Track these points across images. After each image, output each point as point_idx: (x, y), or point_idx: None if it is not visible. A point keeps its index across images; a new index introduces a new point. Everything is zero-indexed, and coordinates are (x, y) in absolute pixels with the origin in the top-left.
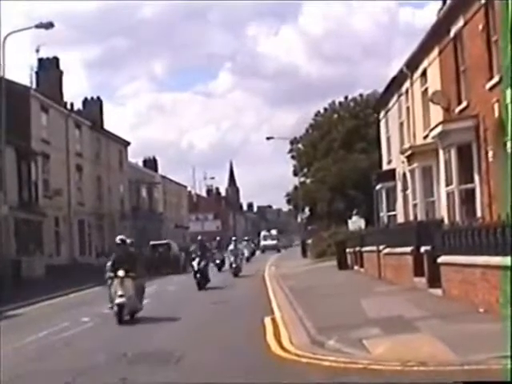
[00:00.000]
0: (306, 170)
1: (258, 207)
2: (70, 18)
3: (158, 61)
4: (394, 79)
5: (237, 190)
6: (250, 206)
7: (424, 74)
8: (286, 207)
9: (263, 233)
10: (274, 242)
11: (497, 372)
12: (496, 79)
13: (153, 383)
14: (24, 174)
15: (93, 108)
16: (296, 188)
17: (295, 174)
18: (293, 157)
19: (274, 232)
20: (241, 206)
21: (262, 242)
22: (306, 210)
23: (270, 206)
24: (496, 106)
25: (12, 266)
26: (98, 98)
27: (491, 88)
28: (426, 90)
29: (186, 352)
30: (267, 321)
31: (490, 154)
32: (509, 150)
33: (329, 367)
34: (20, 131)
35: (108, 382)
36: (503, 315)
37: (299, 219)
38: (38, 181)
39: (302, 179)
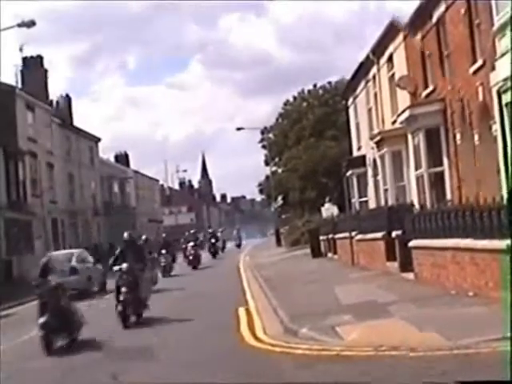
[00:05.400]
0: (277, 159)
1: (232, 198)
2: (45, 15)
3: (130, 55)
4: (360, 65)
5: (209, 182)
6: (224, 197)
7: (390, 59)
8: (259, 197)
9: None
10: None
11: (477, 355)
12: (479, 63)
13: (127, 377)
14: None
15: (62, 105)
16: (268, 178)
17: (267, 163)
18: (264, 146)
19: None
20: (214, 198)
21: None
22: (279, 198)
23: (243, 197)
24: (480, 90)
25: (3, 265)
26: (67, 95)
27: (475, 72)
28: (393, 75)
29: (161, 345)
30: (241, 311)
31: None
32: (494, 133)
33: (302, 355)
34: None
35: (98, 378)
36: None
37: (272, 208)
38: (27, 180)
39: (274, 168)
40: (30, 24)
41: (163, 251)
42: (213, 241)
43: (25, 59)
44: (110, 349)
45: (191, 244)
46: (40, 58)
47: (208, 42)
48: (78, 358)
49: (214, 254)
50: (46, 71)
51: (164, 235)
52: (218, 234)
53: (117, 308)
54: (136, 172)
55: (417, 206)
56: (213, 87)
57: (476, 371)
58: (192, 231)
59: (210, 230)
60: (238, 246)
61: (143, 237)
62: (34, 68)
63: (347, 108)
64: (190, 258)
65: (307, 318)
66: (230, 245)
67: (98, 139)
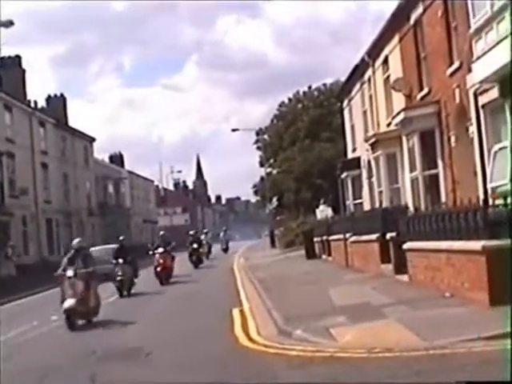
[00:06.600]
0: (272, 160)
1: (227, 199)
2: (35, 15)
3: (126, 56)
4: (356, 67)
5: (204, 183)
6: (219, 198)
7: (386, 61)
8: (254, 198)
9: None
10: None
11: (462, 355)
12: (456, 65)
13: (123, 380)
14: None
15: (57, 105)
16: (262, 179)
17: (262, 164)
18: (259, 148)
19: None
20: (209, 199)
21: None
22: (274, 200)
23: (238, 198)
24: (457, 92)
25: None
26: (62, 94)
27: (452, 74)
28: (388, 77)
29: (155, 347)
30: (235, 312)
31: (453, 139)
32: (471, 135)
33: (296, 357)
34: None
35: (77, 379)
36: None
37: (267, 210)
38: (4, 180)
39: (269, 170)
40: (8, 24)
41: (120, 260)
42: (195, 246)
43: (2, 59)
44: None
45: (160, 251)
46: (18, 58)
47: (204, 43)
48: None
49: (196, 263)
50: (24, 71)
51: (121, 238)
52: (202, 237)
53: None
54: (131, 172)
55: (411, 208)
56: (208, 88)
57: None
58: (161, 233)
59: (191, 232)
60: (225, 250)
61: (75, 240)
62: (11, 68)
63: (342, 110)
64: (158, 269)
65: (301, 320)
66: (217, 249)
67: (93, 139)
